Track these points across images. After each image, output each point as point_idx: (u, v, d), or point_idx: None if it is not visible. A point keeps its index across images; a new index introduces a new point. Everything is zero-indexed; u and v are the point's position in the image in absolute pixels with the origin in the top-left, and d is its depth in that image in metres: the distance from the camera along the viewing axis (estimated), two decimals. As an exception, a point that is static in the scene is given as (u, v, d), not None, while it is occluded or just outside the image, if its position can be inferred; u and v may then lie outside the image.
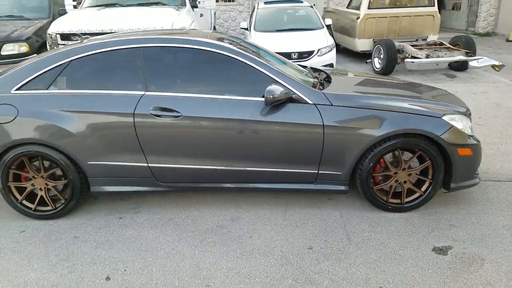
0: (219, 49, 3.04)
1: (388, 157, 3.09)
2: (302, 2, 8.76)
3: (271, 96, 2.79)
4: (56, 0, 8.26)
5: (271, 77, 2.97)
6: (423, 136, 2.94)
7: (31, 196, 3.22)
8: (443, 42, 8.06)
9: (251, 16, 8.61)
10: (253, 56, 3.04)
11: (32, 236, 3.00)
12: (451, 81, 7.30)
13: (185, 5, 6.67)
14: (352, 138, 2.92)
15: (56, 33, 5.78)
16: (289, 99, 2.92)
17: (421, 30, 8.93)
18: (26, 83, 3.07)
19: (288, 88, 2.93)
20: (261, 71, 2.98)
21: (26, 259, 2.72)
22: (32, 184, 3.17)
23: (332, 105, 2.94)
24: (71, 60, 3.09)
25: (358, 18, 8.97)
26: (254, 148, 2.98)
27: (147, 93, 3.00)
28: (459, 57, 7.10)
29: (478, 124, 5.05)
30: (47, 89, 3.05)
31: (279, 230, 2.97)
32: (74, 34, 5.68)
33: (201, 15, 7.74)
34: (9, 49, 6.88)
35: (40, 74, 3.08)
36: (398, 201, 3.15)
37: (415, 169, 3.07)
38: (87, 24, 5.64)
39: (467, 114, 3.21)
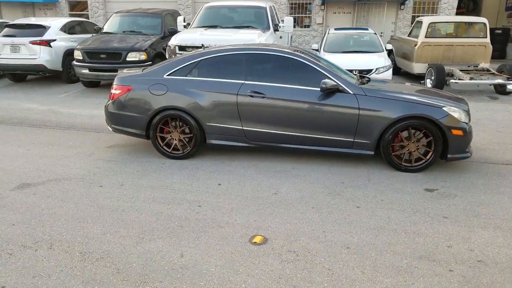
0: (291, 55, 4.77)
1: (404, 133, 4.54)
2: (367, 29, 10.32)
3: (324, 86, 4.43)
4: (166, 21, 10.57)
5: (326, 74, 4.62)
6: (427, 119, 4.37)
7: (168, 144, 5.12)
8: (490, 69, 9.10)
9: (322, 39, 10.31)
10: (314, 61, 4.74)
11: (170, 166, 4.86)
12: (492, 101, 8.34)
13: (269, 29, 8.61)
14: (377, 117, 4.44)
15: (175, 45, 7.96)
16: (337, 90, 4.54)
17: (473, 58, 9.97)
18: (173, 71, 5.01)
19: (336, 82, 4.54)
20: (319, 71, 4.64)
21: (169, 174, 4.57)
22: (170, 136, 5.07)
23: (366, 95, 4.50)
24: (201, 59, 4.98)
25: (416, 45, 10.26)
26: (311, 121, 4.61)
27: (246, 82, 4.79)
28: (498, 80, 8.17)
29: (499, 131, 6.21)
30: (185, 76, 4.96)
31: (323, 174, 4.55)
32: (188, 46, 7.79)
33: (281, 37, 9.62)
34: (133, 56, 9.15)
35: (182, 67, 5.00)
36: (409, 164, 4.57)
37: (422, 143, 4.49)
38: (198, 39, 7.74)
39: (467, 110, 4.57)
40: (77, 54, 9.36)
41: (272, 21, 8.86)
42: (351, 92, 4.53)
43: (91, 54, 9.19)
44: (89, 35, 11.04)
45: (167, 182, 4.34)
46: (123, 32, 10.23)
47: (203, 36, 7.88)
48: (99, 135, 6.12)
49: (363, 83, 4.87)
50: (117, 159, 5.08)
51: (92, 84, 10.04)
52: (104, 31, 10.43)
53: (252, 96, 4.71)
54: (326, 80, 4.48)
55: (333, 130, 4.60)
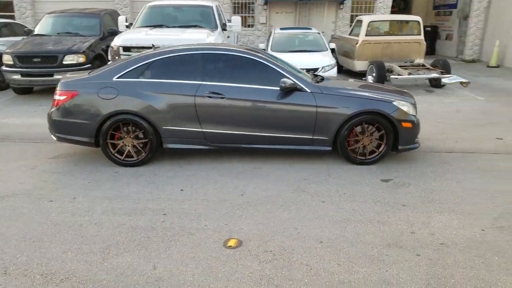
0: (249, 55, 4.76)
1: (358, 128, 4.71)
2: (311, 29, 10.61)
3: (283, 85, 4.47)
4: (104, 21, 10.04)
5: (284, 74, 4.66)
6: (379, 114, 4.57)
7: (120, 151, 4.85)
8: (425, 64, 9.77)
9: (268, 39, 10.42)
10: (272, 60, 4.76)
11: (124, 174, 4.62)
12: (428, 94, 8.96)
13: (217, 28, 8.50)
14: (334, 114, 4.56)
15: (119, 46, 7.58)
16: (295, 89, 4.59)
17: (409, 54, 10.63)
18: (124, 74, 4.76)
19: (295, 81, 4.59)
20: (277, 70, 4.67)
21: (125, 183, 4.34)
22: (123, 142, 4.82)
23: (322, 93, 4.61)
24: (154, 60, 4.79)
25: (357, 43, 10.71)
26: (272, 120, 4.62)
27: (203, 82, 4.69)
28: (434, 74, 8.81)
29: (438, 122, 6.69)
30: (137, 78, 4.74)
31: (286, 172, 4.59)
32: (134, 47, 7.47)
33: (228, 36, 9.56)
34: (70, 59, 8.52)
35: (133, 68, 4.77)
36: (363, 157, 4.76)
37: (374, 136, 4.70)
38: (144, 39, 7.45)
39: (413, 103, 4.85)
40: (7, 59, 8.59)
41: (219, 20, 8.78)
42: (308, 91, 4.62)
43: (23, 58, 8.49)
44: (19, 38, 10.20)
45: (124, 192, 4.12)
46: (58, 34, 9.56)
47: (149, 36, 7.60)
48: (39, 146, 5.66)
49: (318, 82, 4.98)
50: (64, 171, 4.74)
51: (24, 91, 9.27)
52: (36, 33, 9.68)
53: (210, 97, 4.62)
54: (285, 79, 4.53)
55: (293, 128, 4.65)
